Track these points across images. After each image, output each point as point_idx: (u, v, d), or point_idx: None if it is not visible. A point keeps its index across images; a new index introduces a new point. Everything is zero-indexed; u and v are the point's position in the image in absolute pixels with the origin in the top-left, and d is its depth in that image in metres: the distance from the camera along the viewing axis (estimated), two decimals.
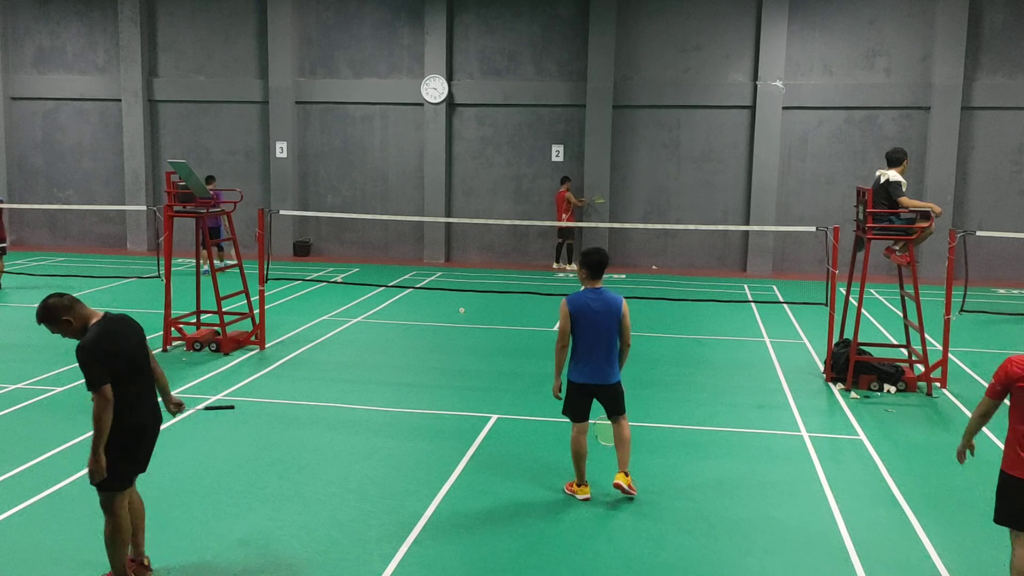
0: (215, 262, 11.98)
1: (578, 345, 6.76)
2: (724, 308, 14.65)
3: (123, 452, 5.27)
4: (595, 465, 7.32)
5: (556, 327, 6.95)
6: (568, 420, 7.00)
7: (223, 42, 21.49)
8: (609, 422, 7.08)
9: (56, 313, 5.20)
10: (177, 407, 5.77)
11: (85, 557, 5.84)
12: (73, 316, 5.23)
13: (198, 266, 12.13)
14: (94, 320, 5.28)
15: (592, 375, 6.74)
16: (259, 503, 6.74)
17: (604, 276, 6.89)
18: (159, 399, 5.60)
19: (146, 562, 5.65)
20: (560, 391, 6.92)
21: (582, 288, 6.86)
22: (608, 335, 6.69)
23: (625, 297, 6.94)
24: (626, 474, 6.93)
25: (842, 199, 18.96)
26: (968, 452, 5.62)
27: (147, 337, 5.63)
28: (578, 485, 6.96)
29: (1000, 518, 5.24)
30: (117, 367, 5.16)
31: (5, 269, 16.32)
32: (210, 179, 18.65)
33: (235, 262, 12.05)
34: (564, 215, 19.17)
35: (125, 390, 5.21)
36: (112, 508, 5.30)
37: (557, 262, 19.92)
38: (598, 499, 6.90)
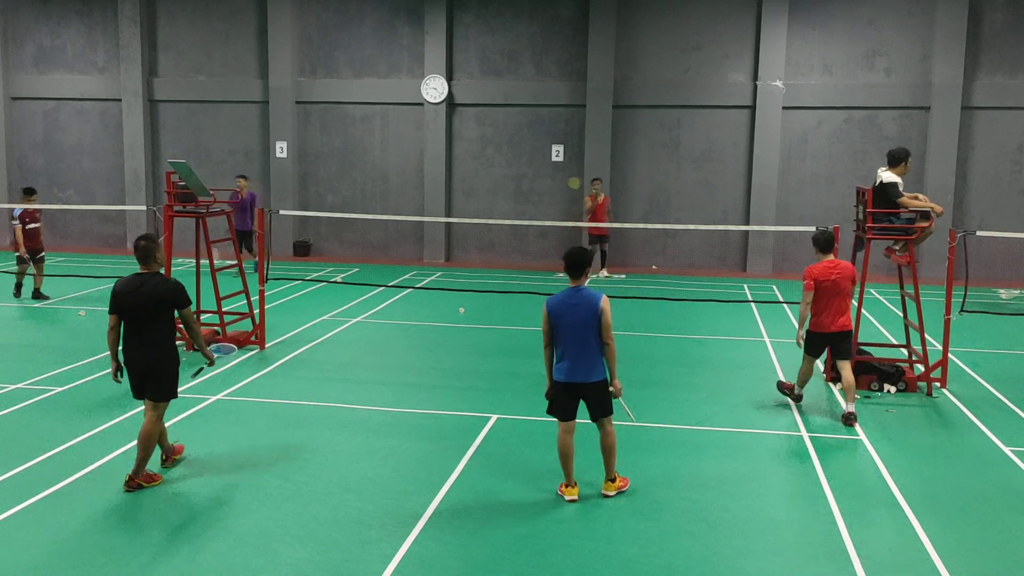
0: (215, 262, 11.95)
1: (558, 344, 6.78)
2: (724, 308, 14.64)
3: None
4: (594, 464, 7.32)
5: None
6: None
7: (223, 42, 21.49)
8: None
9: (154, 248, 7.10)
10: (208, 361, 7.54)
11: (84, 558, 5.85)
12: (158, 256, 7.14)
13: (198, 266, 12.12)
14: (141, 271, 7.07)
15: (572, 373, 6.73)
16: (259, 503, 6.75)
17: (592, 275, 6.89)
18: (152, 352, 6.98)
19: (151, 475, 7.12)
20: (551, 387, 6.91)
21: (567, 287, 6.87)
22: (585, 333, 6.66)
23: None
24: (612, 480, 7.00)
25: (842, 199, 18.96)
26: (802, 340, 9.18)
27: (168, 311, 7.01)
28: (566, 486, 6.94)
29: (809, 352, 9.23)
30: (117, 309, 6.97)
31: (6, 270, 16.30)
32: (244, 179, 18.43)
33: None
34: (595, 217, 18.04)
35: (125, 329, 7.00)
36: None
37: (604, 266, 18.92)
38: (598, 500, 6.90)
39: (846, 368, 9.09)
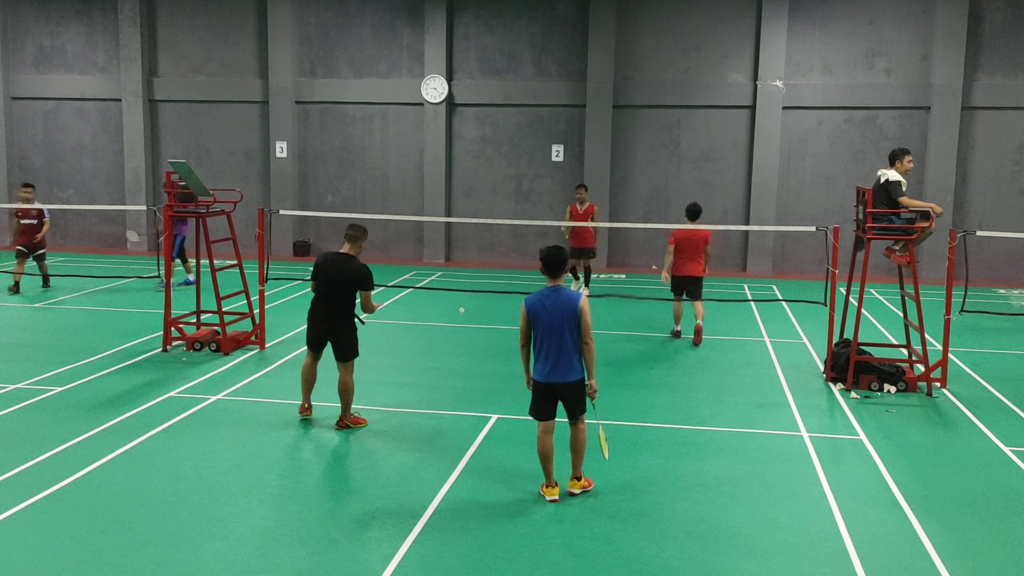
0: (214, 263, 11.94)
1: (537, 344, 6.81)
2: (724, 308, 14.64)
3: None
4: (591, 464, 7.32)
5: None
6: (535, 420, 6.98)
7: (223, 42, 21.48)
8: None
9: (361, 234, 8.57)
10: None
11: (84, 557, 5.84)
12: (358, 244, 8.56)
13: (198, 266, 12.12)
14: (342, 251, 8.47)
15: (551, 373, 6.74)
16: (259, 503, 6.75)
17: (570, 276, 6.87)
18: (335, 320, 8.43)
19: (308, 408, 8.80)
20: (531, 384, 6.95)
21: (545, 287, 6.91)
22: (561, 333, 6.68)
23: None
24: (578, 479, 6.96)
25: (842, 199, 18.96)
26: (665, 274, 12.53)
27: (338, 286, 8.29)
28: (546, 486, 6.93)
29: (674, 295, 12.44)
30: (315, 276, 8.46)
31: (3, 270, 16.31)
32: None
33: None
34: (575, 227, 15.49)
35: (316, 295, 8.46)
36: None
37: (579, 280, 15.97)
38: (597, 500, 6.90)
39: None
